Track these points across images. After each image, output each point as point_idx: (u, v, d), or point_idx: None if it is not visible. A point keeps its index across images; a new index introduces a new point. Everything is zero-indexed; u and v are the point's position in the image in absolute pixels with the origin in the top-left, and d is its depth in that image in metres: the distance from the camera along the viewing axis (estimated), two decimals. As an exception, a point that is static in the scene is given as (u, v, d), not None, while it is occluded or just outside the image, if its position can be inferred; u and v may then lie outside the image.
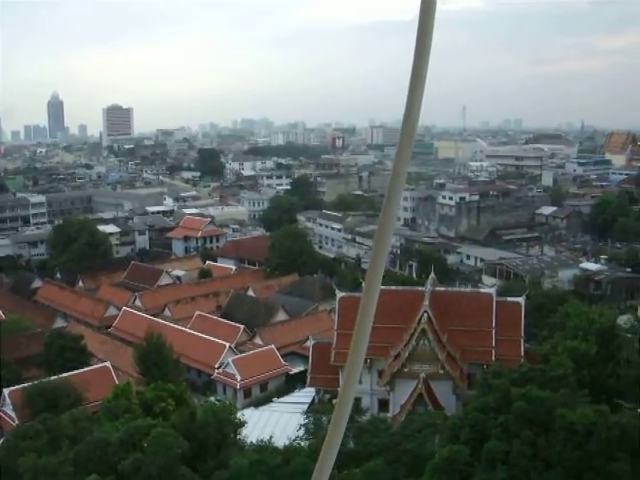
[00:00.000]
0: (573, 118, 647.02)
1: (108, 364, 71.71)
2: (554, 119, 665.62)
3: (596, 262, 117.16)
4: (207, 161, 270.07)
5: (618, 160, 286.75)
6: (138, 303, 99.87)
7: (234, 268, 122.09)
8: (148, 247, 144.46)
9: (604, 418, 43.36)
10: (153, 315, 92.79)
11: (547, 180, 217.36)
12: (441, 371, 63.72)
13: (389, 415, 63.30)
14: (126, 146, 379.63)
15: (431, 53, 2.69)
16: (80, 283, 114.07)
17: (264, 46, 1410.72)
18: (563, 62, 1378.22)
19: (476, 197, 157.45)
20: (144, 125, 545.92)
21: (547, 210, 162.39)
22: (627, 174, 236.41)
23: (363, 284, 2.98)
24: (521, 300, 69.47)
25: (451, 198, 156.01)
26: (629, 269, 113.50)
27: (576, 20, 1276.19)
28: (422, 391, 63.01)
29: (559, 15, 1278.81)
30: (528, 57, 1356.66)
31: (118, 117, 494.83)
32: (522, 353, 65.47)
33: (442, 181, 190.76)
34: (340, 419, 3.00)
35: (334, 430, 3.02)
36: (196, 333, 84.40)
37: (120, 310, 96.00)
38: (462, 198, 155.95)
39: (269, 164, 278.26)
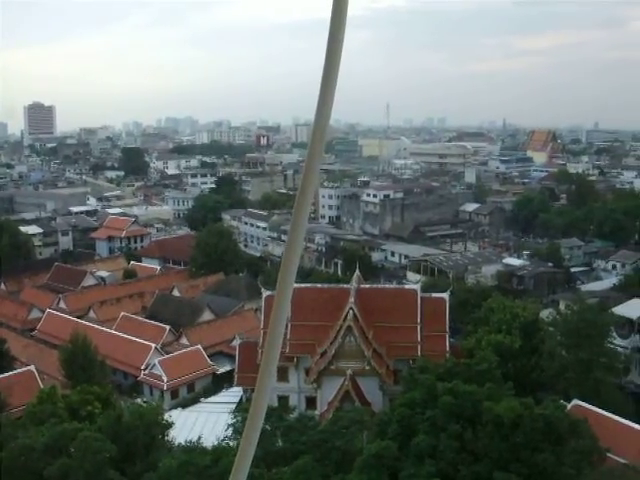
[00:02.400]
0: (495, 116, 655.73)
1: (32, 368, 70.41)
2: (477, 117, 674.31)
3: (518, 257, 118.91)
4: (131, 160, 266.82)
5: (539, 157, 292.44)
6: (62, 305, 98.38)
7: (159, 268, 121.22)
8: (72, 248, 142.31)
9: (529, 410, 44.11)
10: (78, 317, 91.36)
11: (470, 177, 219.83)
12: (367, 367, 64.03)
13: (317, 412, 63.45)
14: (48, 145, 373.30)
15: (343, 52, 2.72)
16: (2, 285, 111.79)
17: (188, 44, 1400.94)
18: (486, 61, 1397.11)
19: (400, 194, 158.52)
20: (67, 123, 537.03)
21: (470, 207, 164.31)
22: (548, 171, 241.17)
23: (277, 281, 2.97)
24: (445, 296, 70.15)
25: (375, 196, 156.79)
26: (550, 264, 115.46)
27: (499, 20, 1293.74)
28: (349, 388, 63.27)
29: (483, 15, 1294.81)
30: (451, 56, 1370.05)
31: (40, 115, 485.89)
32: (447, 348, 66.18)
33: (366, 179, 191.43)
34: (256, 418, 3.00)
35: (250, 428, 3.02)
36: (122, 334, 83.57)
37: (44, 312, 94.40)
38: (386, 196, 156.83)
39: (194, 163, 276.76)
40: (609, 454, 47.28)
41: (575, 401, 55.76)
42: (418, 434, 44.44)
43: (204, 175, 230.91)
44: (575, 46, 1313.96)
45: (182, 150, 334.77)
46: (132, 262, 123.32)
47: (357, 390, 63.63)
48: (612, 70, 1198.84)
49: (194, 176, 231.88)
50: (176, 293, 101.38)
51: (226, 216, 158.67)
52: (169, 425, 52.26)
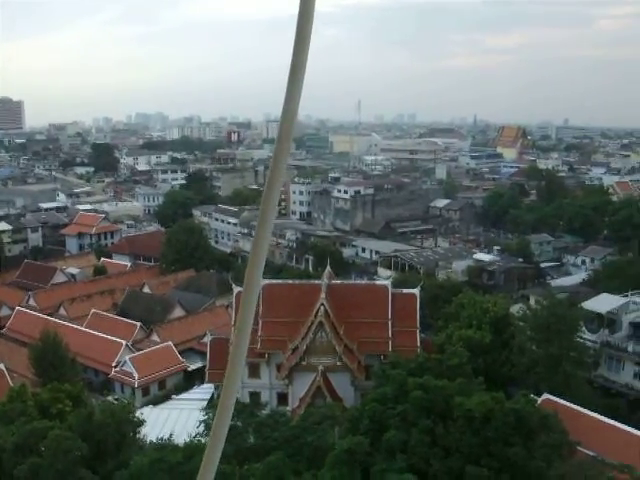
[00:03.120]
0: (466, 113, 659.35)
1: (2, 366, 69.81)
2: (448, 113, 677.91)
3: (489, 253, 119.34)
4: (101, 156, 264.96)
5: (509, 154, 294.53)
6: (32, 302, 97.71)
7: (129, 265, 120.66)
8: (41, 245, 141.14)
9: (500, 405, 44.41)
10: (48, 314, 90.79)
11: (441, 173, 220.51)
12: (339, 363, 64.18)
13: (288, 408, 63.52)
14: (17, 140, 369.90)
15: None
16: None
17: (158, 39, 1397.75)
18: (456, 58, 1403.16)
19: (371, 190, 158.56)
20: (36, 119, 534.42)
21: (441, 203, 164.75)
22: (518, 167, 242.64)
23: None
24: (416, 291, 70.36)
25: (346, 192, 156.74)
26: (521, 259, 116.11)
27: (469, 18, 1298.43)
28: (320, 384, 63.38)
29: (452, 12, 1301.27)
30: (421, 53, 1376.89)
31: (8, 110, 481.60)
32: (418, 343, 66.40)
33: (337, 175, 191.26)
34: (224, 414, 3.00)
35: (219, 424, 3.02)
36: (92, 332, 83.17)
37: (13, 310, 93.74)
38: (357, 192, 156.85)
39: (164, 159, 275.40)
40: (579, 447, 47.77)
41: (545, 395, 56.24)
42: (389, 429, 44.62)
43: (174, 171, 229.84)
44: (544, 44, 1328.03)
45: (152, 146, 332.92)
46: (102, 259, 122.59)
47: (328, 386, 63.74)
48: (581, 68, 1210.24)
49: (164, 172, 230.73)
50: (147, 290, 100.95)
51: (196, 212, 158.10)
52: (140, 422, 52.05)
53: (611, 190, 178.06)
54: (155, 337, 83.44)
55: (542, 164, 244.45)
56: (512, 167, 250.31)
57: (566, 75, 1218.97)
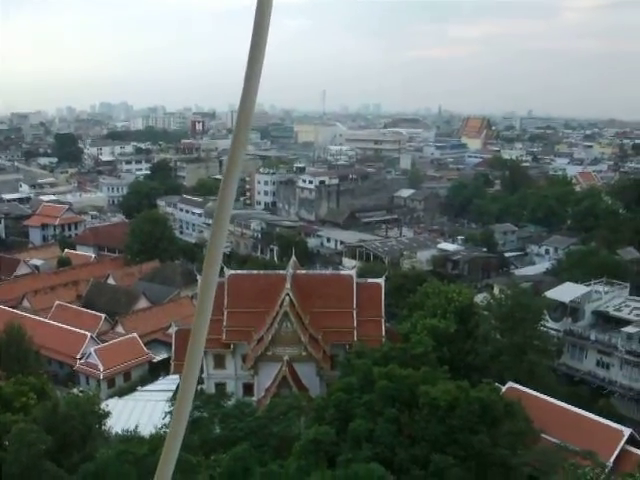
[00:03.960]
0: (431, 103, 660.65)
1: (-36, 359, 69.36)
2: (412, 104, 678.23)
3: (453, 242, 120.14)
4: (64, 146, 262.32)
5: (474, 144, 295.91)
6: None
7: (94, 256, 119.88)
8: (4, 236, 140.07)
9: (465, 393, 44.71)
10: (11, 307, 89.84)
11: (405, 163, 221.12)
12: (304, 353, 64.22)
13: (254, 399, 63.46)
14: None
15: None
16: None
17: (122, 28, 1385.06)
18: (422, 49, 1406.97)
19: (336, 181, 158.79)
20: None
21: (405, 193, 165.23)
22: (482, 157, 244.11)
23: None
24: (381, 281, 70.59)
25: (311, 182, 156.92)
26: (485, 249, 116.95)
27: (434, 8, 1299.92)
28: (286, 374, 63.41)
29: (417, 3, 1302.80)
30: (387, 43, 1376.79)
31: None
32: (383, 333, 66.59)
33: (302, 165, 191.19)
34: (183, 405, 3.01)
35: (178, 414, 3.03)
36: (57, 324, 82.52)
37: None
38: (322, 182, 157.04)
39: (128, 149, 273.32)
40: (543, 435, 48.31)
41: (509, 384, 56.78)
42: (355, 418, 44.77)
43: (139, 161, 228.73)
44: (509, 35, 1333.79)
45: (116, 136, 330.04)
46: (66, 250, 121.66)
47: (294, 376, 63.78)
48: (545, 59, 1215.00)
49: (129, 162, 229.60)
50: (111, 281, 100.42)
51: (161, 203, 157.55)
52: (106, 415, 51.83)
53: (574, 180, 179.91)
54: (120, 329, 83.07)
55: (506, 154, 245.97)
56: (476, 157, 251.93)
57: (530, 66, 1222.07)
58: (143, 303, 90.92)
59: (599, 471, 38.40)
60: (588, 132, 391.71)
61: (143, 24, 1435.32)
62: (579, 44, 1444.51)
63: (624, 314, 79.82)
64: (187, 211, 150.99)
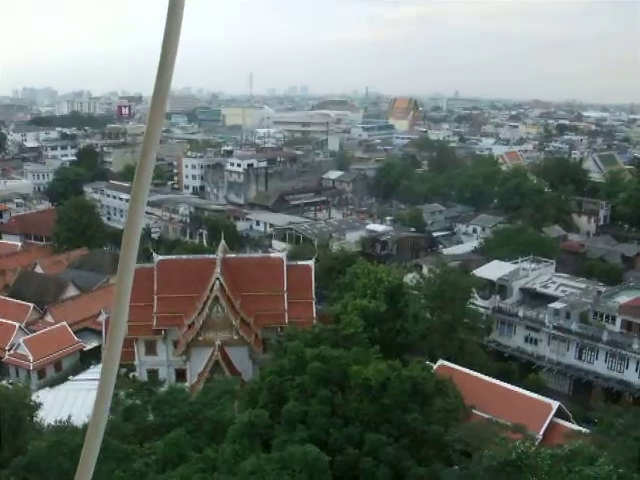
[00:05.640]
0: (358, 85, 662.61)
1: None
2: (340, 86, 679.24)
3: (382, 223, 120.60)
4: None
5: (401, 125, 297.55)
6: None
7: (20, 244, 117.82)
8: None
9: (396, 372, 45.06)
10: None
11: (333, 145, 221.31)
12: (236, 337, 64.16)
13: (187, 385, 63.31)
14: None
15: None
16: None
17: (43, 11, 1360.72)
18: (349, 31, 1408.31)
19: (264, 163, 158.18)
20: None
21: (334, 174, 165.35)
22: (410, 138, 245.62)
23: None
24: (311, 263, 70.79)
25: (239, 165, 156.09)
26: (413, 229, 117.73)
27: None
28: (218, 358, 63.36)
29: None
30: (315, 26, 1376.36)
31: None
32: (314, 315, 66.81)
33: (230, 148, 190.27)
34: (104, 396, 2.91)
35: (99, 404, 2.93)
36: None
37: None
38: (250, 165, 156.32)
39: (53, 135, 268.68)
40: (474, 410, 49.00)
41: (441, 361, 57.38)
42: (289, 401, 44.82)
43: (64, 147, 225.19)
44: (437, 18, 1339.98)
45: (41, 122, 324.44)
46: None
47: (226, 360, 63.74)
48: (473, 41, 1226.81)
49: (54, 148, 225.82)
50: (39, 270, 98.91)
51: (88, 189, 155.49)
52: (37, 406, 51.01)
53: (500, 160, 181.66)
54: (49, 318, 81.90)
55: (433, 135, 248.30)
56: (404, 138, 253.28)
57: (457, 48, 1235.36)
58: (72, 291, 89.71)
59: (529, 444, 38.97)
60: (514, 112, 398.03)
61: (66, 7, 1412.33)
62: (504, 26, 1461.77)
63: (550, 290, 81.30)
64: (114, 197, 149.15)
